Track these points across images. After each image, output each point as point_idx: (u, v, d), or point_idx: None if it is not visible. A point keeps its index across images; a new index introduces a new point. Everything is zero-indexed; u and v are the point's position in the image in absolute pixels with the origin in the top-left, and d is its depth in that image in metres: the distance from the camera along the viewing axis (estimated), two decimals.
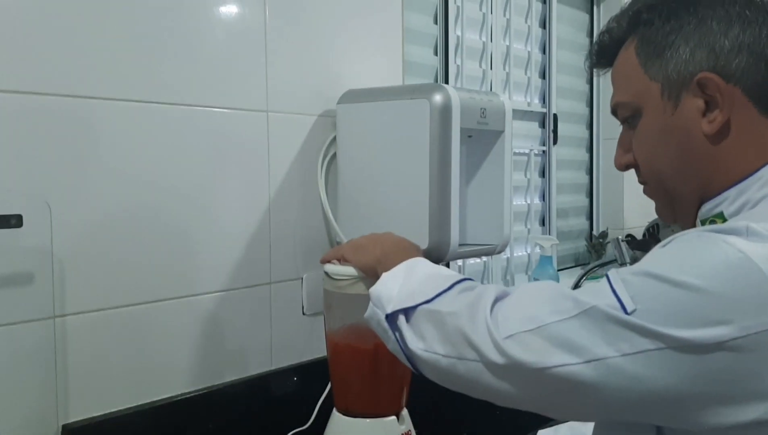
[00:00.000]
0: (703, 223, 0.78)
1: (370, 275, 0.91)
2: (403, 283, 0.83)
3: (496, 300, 0.73)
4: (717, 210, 0.76)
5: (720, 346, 0.61)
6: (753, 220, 0.67)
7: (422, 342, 0.77)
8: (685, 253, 0.67)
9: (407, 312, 0.80)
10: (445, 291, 0.79)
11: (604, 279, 0.68)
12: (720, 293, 0.62)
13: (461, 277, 0.82)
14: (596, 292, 0.67)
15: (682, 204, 0.81)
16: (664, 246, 0.70)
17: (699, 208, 0.79)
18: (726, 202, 0.75)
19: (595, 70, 0.87)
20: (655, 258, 0.69)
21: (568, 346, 0.66)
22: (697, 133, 0.76)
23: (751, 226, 0.66)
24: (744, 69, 0.74)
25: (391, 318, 0.81)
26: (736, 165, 0.75)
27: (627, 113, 0.82)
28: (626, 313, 0.64)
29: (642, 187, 0.85)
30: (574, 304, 0.67)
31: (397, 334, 0.80)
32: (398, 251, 0.92)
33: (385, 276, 0.86)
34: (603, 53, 0.84)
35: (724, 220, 0.75)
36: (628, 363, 0.63)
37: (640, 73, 0.79)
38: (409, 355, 0.79)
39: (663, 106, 0.77)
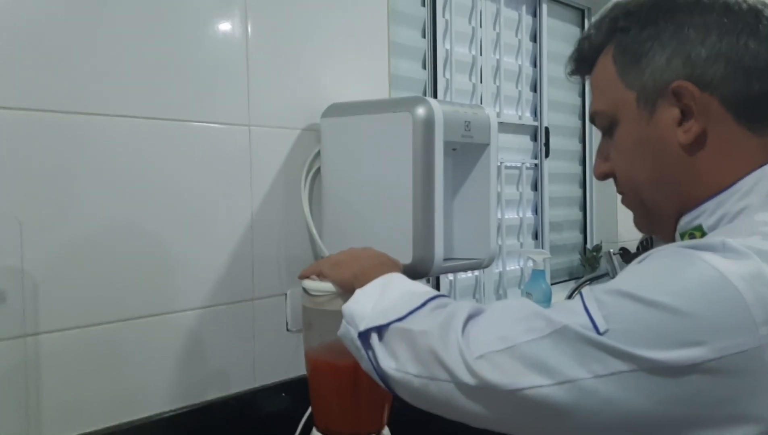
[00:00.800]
0: (682, 236, 0.76)
1: (348, 291, 0.90)
2: (376, 301, 0.81)
3: (469, 318, 0.72)
4: (695, 223, 0.75)
5: (694, 368, 0.59)
6: (730, 235, 0.66)
7: (394, 361, 0.75)
8: (659, 271, 0.65)
9: (380, 330, 0.78)
10: (417, 308, 0.77)
11: (578, 297, 0.67)
12: (694, 314, 0.60)
13: (435, 293, 0.80)
14: (569, 311, 0.65)
15: (659, 216, 0.79)
16: (640, 262, 0.68)
17: (677, 220, 0.77)
18: (704, 214, 0.74)
19: (574, 77, 0.86)
20: (630, 276, 0.67)
21: (540, 367, 0.64)
22: (672, 144, 0.74)
23: (728, 242, 0.64)
24: (721, 78, 0.72)
25: (364, 336, 0.79)
26: (713, 176, 0.74)
27: (605, 122, 0.80)
28: (599, 333, 0.62)
29: (621, 197, 0.83)
30: (546, 323, 0.65)
31: (369, 353, 0.78)
32: (376, 266, 0.90)
33: (358, 293, 0.84)
34: (582, 60, 0.83)
35: (703, 233, 0.74)
36: (601, 385, 0.62)
37: (617, 82, 0.77)
38: (382, 374, 0.77)
39: (639, 116, 0.76)
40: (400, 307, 0.78)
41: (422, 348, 0.72)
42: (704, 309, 0.60)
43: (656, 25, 0.75)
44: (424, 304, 0.77)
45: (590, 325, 0.63)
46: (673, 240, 0.79)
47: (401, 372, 0.74)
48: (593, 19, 0.85)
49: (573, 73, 0.86)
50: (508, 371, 0.65)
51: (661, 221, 0.79)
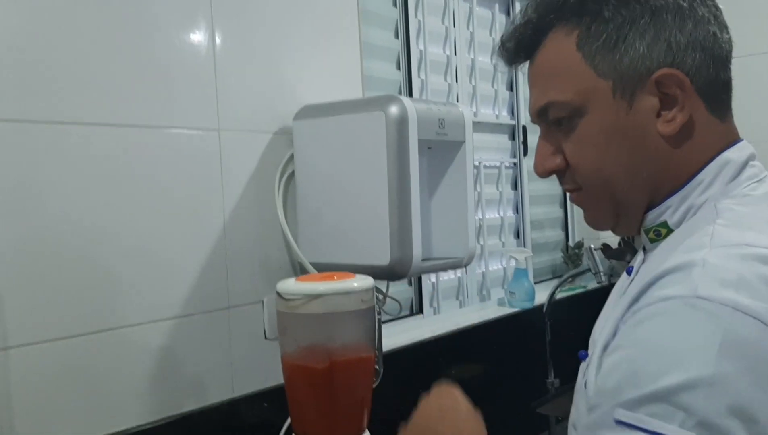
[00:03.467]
0: (647, 232, 0.75)
1: None
2: None
3: None
4: (661, 219, 0.73)
5: None
6: (694, 233, 0.64)
7: None
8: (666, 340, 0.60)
9: None
10: None
11: (619, 430, 0.59)
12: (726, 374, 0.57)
13: None
14: None
15: (628, 210, 0.76)
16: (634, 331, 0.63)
17: (644, 215, 0.75)
18: (670, 210, 0.72)
19: (510, 66, 0.80)
20: (642, 359, 0.61)
21: None
22: (652, 135, 0.71)
23: (709, 262, 0.61)
24: (698, 66, 0.70)
25: None
26: (682, 166, 0.72)
27: (563, 113, 0.75)
28: None
29: (571, 194, 0.79)
30: None
31: None
32: None
33: None
34: (523, 46, 0.77)
35: (669, 229, 0.72)
36: None
37: (585, 69, 0.72)
38: None
39: (615, 105, 0.72)
40: None
41: None
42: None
43: (631, 9, 0.71)
44: None
45: None
46: (637, 234, 0.77)
47: None
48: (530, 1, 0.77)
49: (512, 62, 0.79)
50: None
51: (628, 215, 0.76)
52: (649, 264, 0.73)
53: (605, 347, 0.67)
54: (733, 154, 0.72)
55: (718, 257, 0.62)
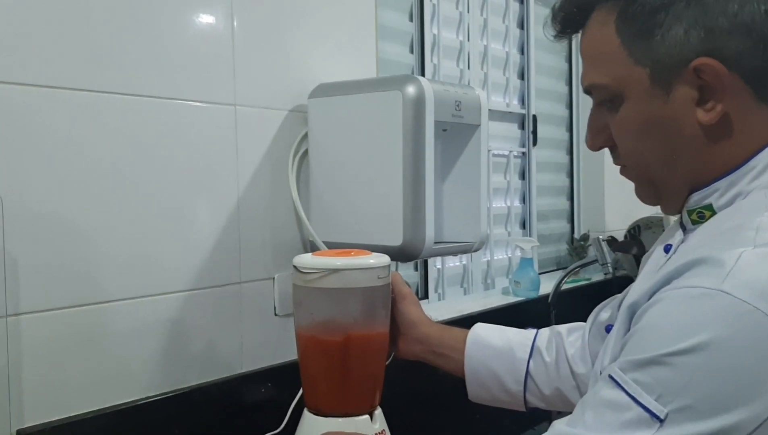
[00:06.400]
0: (690, 213, 0.73)
1: None
2: None
3: None
4: (706, 202, 0.72)
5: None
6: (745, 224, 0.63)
7: None
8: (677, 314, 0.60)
9: None
10: None
11: (609, 385, 0.61)
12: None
13: None
14: (613, 409, 0.59)
15: (668, 192, 0.76)
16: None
17: (687, 196, 0.74)
18: (716, 193, 0.71)
19: (557, 40, 0.80)
20: (647, 332, 0.62)
21: None
22: (691, 124, 0.69)
23: (746, 260, 0.60)
24: (743, 52, 0.67)
25: None
26: (728, 155, 0.70)
27: (604, 96, 0.75)
28: (660, 421, 0.57)
29: (620, 168, 0.79)
30: None
31: None
32: None
33: None
34: (569, 22, 0.77)
35: (713, 212, 0.71)
36: None
37: (623, 55, 0.71)
38: None
39: (652, 94, 0.70)
40: None
41: None
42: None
43: None
44: None
45: (647, 416, 0.57)
46: (679, 213, 0.77)
47: None
48: None
49: (559, 36, 0.79)
50: None
51: (670, 197, 0.76)
52: (688, 244, 0.73)
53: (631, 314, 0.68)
54: None
55: (758, 257, 0.60)
